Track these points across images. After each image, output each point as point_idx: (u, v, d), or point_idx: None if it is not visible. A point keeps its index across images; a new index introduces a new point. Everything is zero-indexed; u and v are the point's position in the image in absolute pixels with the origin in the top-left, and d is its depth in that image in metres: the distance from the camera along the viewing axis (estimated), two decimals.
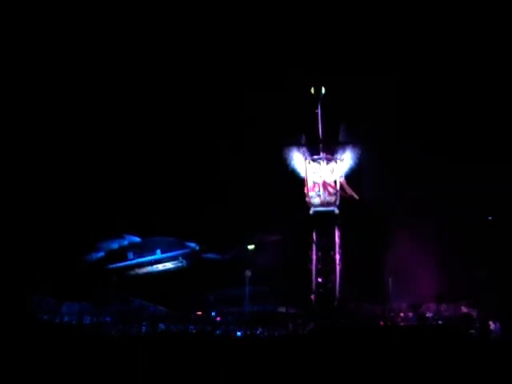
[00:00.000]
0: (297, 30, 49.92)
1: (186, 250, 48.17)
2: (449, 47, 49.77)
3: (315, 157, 47.63)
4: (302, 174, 47.74)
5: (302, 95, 47.20)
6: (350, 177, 47.59)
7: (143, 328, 38.73)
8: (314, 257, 46.83)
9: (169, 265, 47.87)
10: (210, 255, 48.28)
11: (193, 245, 48.36)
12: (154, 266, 47.68)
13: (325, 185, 47.33)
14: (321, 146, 47.43)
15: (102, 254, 47.32)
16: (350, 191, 47.54)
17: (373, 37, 49.89)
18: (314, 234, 47.26)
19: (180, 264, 47.77)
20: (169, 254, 47.94)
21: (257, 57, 50.72)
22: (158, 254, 47.98)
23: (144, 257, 47.73)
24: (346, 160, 47.48)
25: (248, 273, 42.51)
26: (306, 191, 47.51)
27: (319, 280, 45.99)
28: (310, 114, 46.96)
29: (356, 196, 47.34)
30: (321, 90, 46.73)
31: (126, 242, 48.16)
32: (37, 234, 44.80)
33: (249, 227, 46.26)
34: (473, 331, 37.41)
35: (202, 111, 50.83)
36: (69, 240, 45.25)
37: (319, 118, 47.07)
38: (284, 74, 49.41)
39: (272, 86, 49.38)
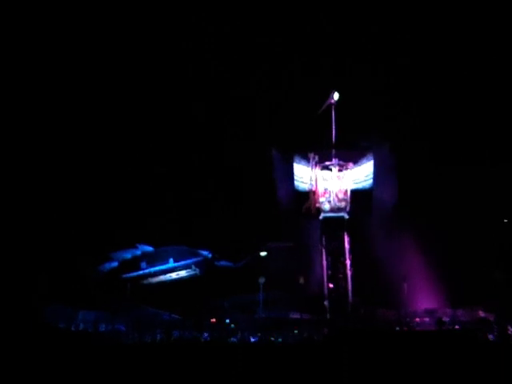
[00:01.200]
0: (311, 31, 50.12)
1: (198, 258, 48.10)
2: (453, 49, 49.87)
3: (327, 163, 47.75)
4: (313, 180, 47.82)
5: (315, 100, 47.39)
6: (361, 183, 47.51)
7: (157, 336, 38.41)
8: (325, 262, 46.86)
9: (182, 273, 47.80)
10: (222, 263, 48.19)
11: (205, 253, 48.27)
12: (168, 275, 47.65)
13: (335, 191, 47.39)
14: (333, 152, 47.53)
15: (115, 263, 47.34)
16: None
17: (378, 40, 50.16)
18: (324, 240, 47.33)
19: (193, 272, 47.70)
20: (181, 263, 47.88)
21: (268, 61, 51.01)
22: (171, 263, 47.96)
23: (157, 266, 47.68)
24: (357, 166, 47.54)
25: (262, 279, 42.31)
26: (316, 197, 47.54)
27: (330, 286, 45.92)
28: (322, 119, 47.01)
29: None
30: (334, 95, 46.72)
31: (138, 252, 48.24)
32: (52, 245, 44.91)
33: (261, 234, 46.35)
34: (491, 336, 37.05)
35: (212, 119, 50.88)
36: (83, 251, 45.37)
37: (333, 123, 47.09)
38: (297, 79, 49.91)
39: (284, 91, 49.77)
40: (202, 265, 48.01)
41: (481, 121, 48.32)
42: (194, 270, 47.64)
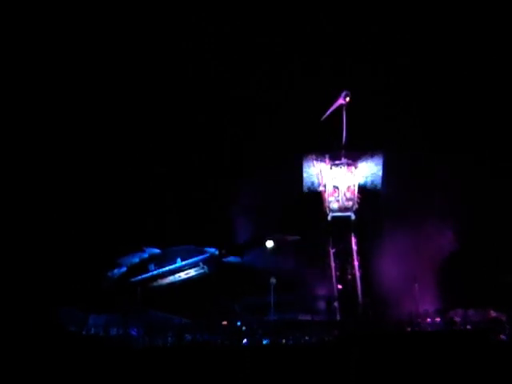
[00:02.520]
0: (321, 33, 50.14)
1: (205, 255, 47.88)
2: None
3: (337, 162, 47.93)
4: (322, 180, 48.23)
5: (327, 100, 47.51)
6: (368, 182, 47.92)
7: (169, 339, 38.28)
8: (333, 264, 46.89)
9: (191, 272, 47.60)
10: (230, 259, 48.16)
11: (212, 250, 48.12)
12: (177, 275, 47.45)
13: (344, 190, 47.64)
14: (343, 151, 47.71)
15: (124, 269, 47.11)
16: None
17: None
18: (332, 240, 47.38)
19: (201, 270, 47.52)
20: (189, 261, 47.67)
21: (268, 61, 50.95)
22: (179, 262, 47.81)
23: (165, 267, 47.47)
24: (365, 165, 47.82)
25: (273, 280, 42.15)
26: (325, 196, 47.85)
27: (339, 287, 45.88)
28: (332, 119, 47.14)
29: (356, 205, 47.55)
30: (346, 96, 46.77)
31: (146, 255, 47.99)
32: (63, 253, 45.04)
33: (267, 228, 46.65)
34: (503, 336, 37.13)
35: (216, 115, 50.83)
36: (92, 257, 45.34)
37: (344, 123, 47.19)
38: (297, 79, 49.94)
39: (296, 89, 49.88)
40: (210, 262, 47.79)
41: (485, 120, 48.53)
42: (203, 268, 47.42)
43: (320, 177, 48.15)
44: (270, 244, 47.04)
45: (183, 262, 47.80)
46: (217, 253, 48.10)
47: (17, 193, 47.22)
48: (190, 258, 47.84)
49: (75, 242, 46.16)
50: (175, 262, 47.81)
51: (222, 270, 47.45)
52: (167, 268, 47.49)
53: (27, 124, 49.53)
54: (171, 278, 47.38)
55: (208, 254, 48.08)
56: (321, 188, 48.15)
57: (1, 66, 49.20)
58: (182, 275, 47.47)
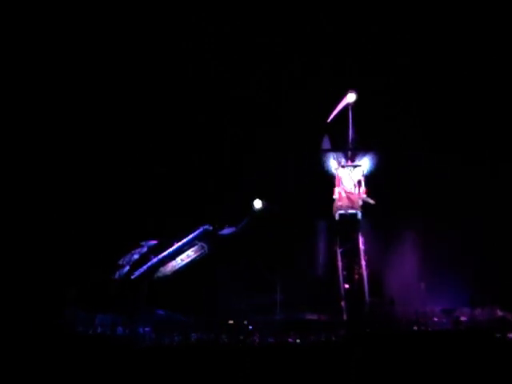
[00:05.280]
0: (311, 31, 50.22)
1: (199, 231, 47.52)
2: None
3: (344, 162, 48.16)
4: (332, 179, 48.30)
5: (326, 100, 47.59)
6: (374, 181, 47.98)
7: (175, 338, 38.23)
8: (340, 263, 46.78)
9: (190, 253, 47.19)
10: (225, 231, 47.77)
11: (205, 226, 47.83)
12: (178, 259, 47.07)
13: (350, 188, 47.79)
14: (349, 152, 47.94)
15: (127, 268, 46.83)
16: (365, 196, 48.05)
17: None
18: (338, 239, 47.30)
19: (202, 250, 47.10)
20: (185, 241, 47.34)
21: (268, 60, 50.91)
22: (175, 245, 47.70)
23: (163, 253, 47.26)
24: (369, 165, 47.99)
25: (279, 279, 42.23)
26: (334, 196, 47.86)
27: (346, 286, 45.84)
28: (338, 119, 47.32)
29: (371, 201, 47.55)
30: (351, 96, 46.91)
31: (145, 249, 47.64)
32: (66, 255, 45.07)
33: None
34: (510, 335, 37.21)
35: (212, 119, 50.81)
36: (96, 260, 45.34)
37: (350, 124, 47.37)
38: (298, 79, 49.99)
39: (284, 91, 49.86)
40: (206, 238, 47.42)
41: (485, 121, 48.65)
42: (202, 248, 46.98)
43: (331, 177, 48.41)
44: (258, 204, 46.91)
45: (179, 243, 47.45)
46: (211, 228, 47.77)
47: (17, 195, 47.05)
48: (185, 237, 47.43)
49: (75, 243, 46.05)
50: (172, 246, 47.61)
51: (220, 246, 47.05)
52: (165, 253, 47.23)
53: (27, 123, 49.31)
54: (173, 264, 47.04)
55: (202, 230, 47.64)
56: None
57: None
58: (184, 258, 47.14)
